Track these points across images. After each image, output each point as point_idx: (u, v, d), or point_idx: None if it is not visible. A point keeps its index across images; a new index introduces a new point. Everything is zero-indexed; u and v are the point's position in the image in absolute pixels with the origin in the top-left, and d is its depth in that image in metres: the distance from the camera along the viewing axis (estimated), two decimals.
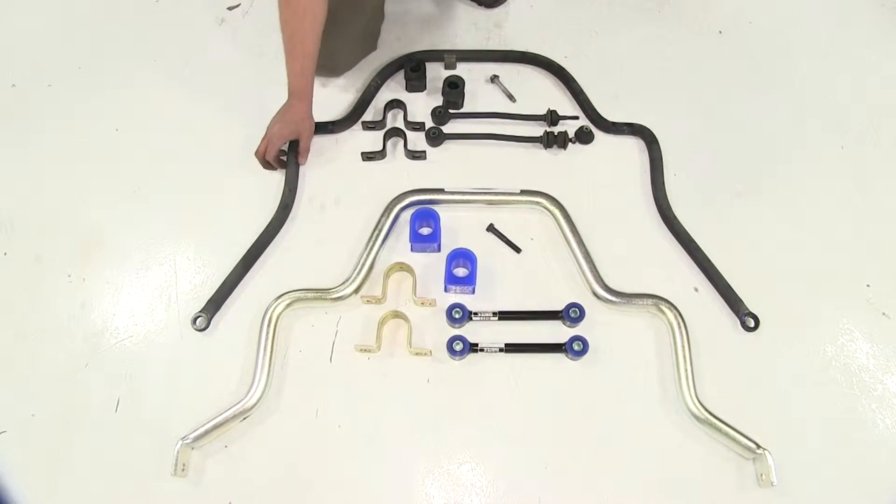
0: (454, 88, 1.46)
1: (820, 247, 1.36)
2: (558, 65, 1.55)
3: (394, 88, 1.53)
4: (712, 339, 1.26)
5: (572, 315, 1.25)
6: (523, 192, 1.37)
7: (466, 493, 1.14)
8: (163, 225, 1.37)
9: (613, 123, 1.48)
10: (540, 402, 1.21)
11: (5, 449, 1.16)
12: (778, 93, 1.55)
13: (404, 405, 1.20)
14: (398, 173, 1.42)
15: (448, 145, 1.46)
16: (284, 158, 1.40)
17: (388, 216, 1.34)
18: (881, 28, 1.67)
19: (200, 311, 1.26)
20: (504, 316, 1.26)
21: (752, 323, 1.27)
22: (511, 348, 1.23)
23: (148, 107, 1.50)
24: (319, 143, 1.46)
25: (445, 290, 1.29)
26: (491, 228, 1.36)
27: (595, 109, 1.49)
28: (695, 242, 1.33)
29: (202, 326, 1.25)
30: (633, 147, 1.47)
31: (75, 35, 1.60)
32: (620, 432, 1.18)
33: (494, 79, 1.54)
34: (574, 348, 1.21)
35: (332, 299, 1.26)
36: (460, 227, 1.36)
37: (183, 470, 1.12)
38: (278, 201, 1.36)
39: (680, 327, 1.24)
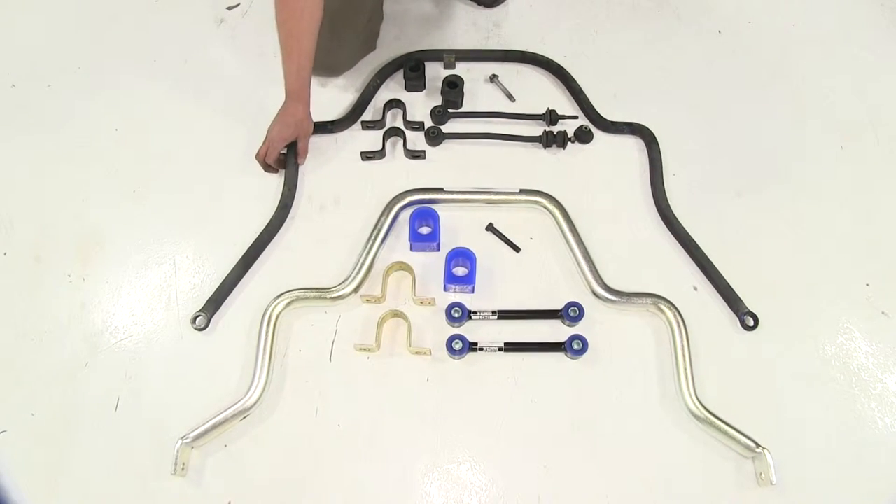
0: (453, 88, 1.47)
1: (819, 246, 1.36)
2: (557, 64, 1.55)
3: (393, 88, 1.53)
4: (712, 339, 1.26)
5: (571, 314, 1.25)
6: (522, 192, 1.38)
7: (466, 491, 1.14)
8: (162, 225, 1.37)
9: (613, 123, 1.48)
10: (539, 400, 1.21)
11: (5, 449, 1.16)
12: (777, 92, 1.55)
13: (404, 404, 1.20)
14: (397, 173, 1.42)
15: (447, 145, 1.46)
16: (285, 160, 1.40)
17: (387, 215, 1.34)
18: (881, 28, 1.67)
19: (200, 311, 1.26)
20: (503, 315, 1.27)
21: (751, 322, 1.27)
22: (510, 347, 1.23)
23: (147, 107, 1.51)
24: (319, 142, 1.46)
25: (445, 289, 1.29)
26: (490, 228, 1.36)
27: (594, 109, 1.49)
28: (694, 241, 1.33)
29: (202, 326, 1.25)
30: (632, 146, 1.47)
31: (75, 35, 1.60)
32: (620, 431, 1.19)
33: (494, 78, 1.54)
34: (573, 347, 1.21)
35: (331, 298, 1.26)
36: (460, 226, 1.36)
37: (183, 469, 1.12)
38: (278, 201, 1.37)
39: (679, 326, 1.24)
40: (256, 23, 1.63)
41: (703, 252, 1.32)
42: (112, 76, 1.55)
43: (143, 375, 1.22)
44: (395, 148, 1.46)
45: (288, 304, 1.25)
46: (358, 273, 1.28)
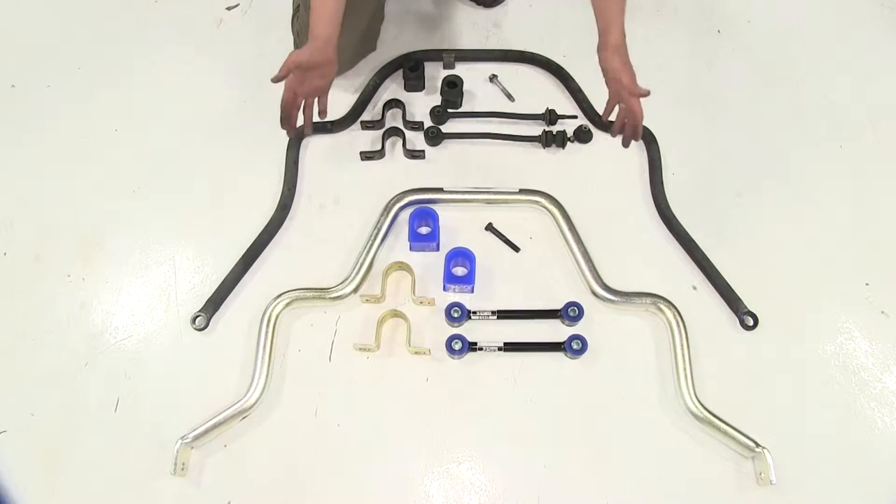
0: (453, 88, 1.47)
1: (819, 245, 1.36)
2: (557, 64, 1.55)
3: (393, 88, 1.53)
4: (711, 338, 1.26)
5: (571, 314, 1.25)
6: (522, 192, 1.38)
7: (465, 491, 1.14)
8: (162, 225, 1.37)
9: (612, 122, 1.47)
10: (539, 400, 1.21)
11: (5, 449, 1.17)
12: (777, 92, 1.55)
13: (403, 404, 1.20)
14: (397, 173, 1.42)
15: (447, 145, 1.46)
16: (313, 113, 1.30)
17: (386, 215, 1.34)
18: (880, 27, 1.67)
19: (200, 311, 1.26)
20: (503, 315, 1.27)
21: (750, 321, 1.27)
22: (510, 347, 1.23)
23: (147, 107, 1.51)
24: (318, 142, 1.46)
25: (444, 289, 1.30)
26: (490, 227, 1.36)
27: (593, 108, 1.49)
28: (693, 241, 1.33)
29: (201, 326, 1.25)
30: (631, 146, 1.46)
31: (74, 36, 1.60)
32: (619, 431, 1.19)
33: (493, 78, 1.54)
34: (573, 347, 1.21)
35: (331, 298, 1.26)
36: (459, 226, 1.36)
37: (182, 469, 1.12)
38: (277, 201, 1.37)
39: (679, 326, 1.24)
40: (256, 23, 1.63)
41: (702, 252, 1.32)
42: (111, 76, 1.55)
43: (142, 375, 1.23)
44: (394, 148, 1.46)
45: (287, 304, 1.25)
46: (357, 273, 1.28)
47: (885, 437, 1.19)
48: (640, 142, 1.47)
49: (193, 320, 1.25)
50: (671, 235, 1.36)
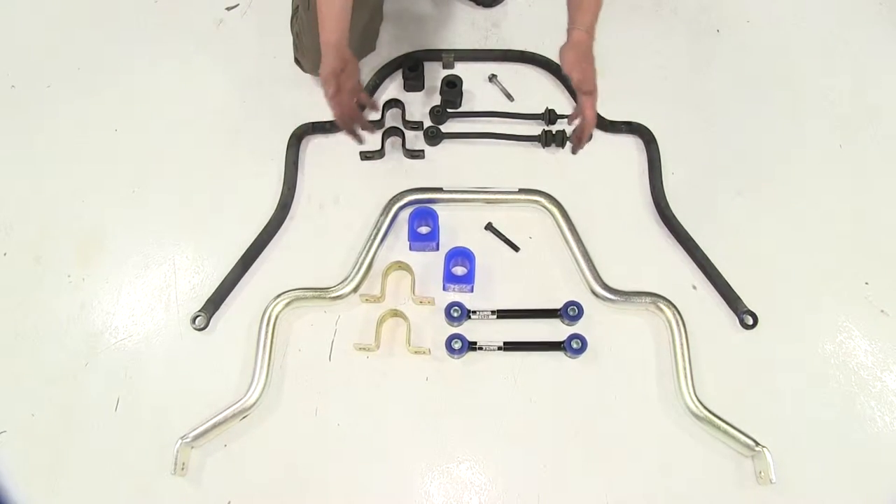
0: (452, 88, 1.47)
1: (818, 245, 1.37)
2: (556, 64, 1.54)
3: (392, 88, 1.53)
4: (711, 337, 1.26)
5: (571, 313, 1.25)
6: (521, 191, 1.38)
7: (465, 491, 1.14)
8: (162, 225, 1.37)
9: (611, 122, 1.48)
10: (538, 400, 1.21)
11: (5, 449, 1.17)
12: (776, 91, 1.55)
13: (403, 404, 1.20)
14: (396, 172, 1.42)
15: (446, 144, 1.46)
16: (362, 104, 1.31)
17: (386, 215, 1.34)
18: (879, 27, 1.67)
19: (199, 311, 1.26)
20: (502, 314, 1.27)
21: (750, 321, 1.27)
22: (510, 346, 1.23)
23: (147, 107, 1.51)
24: (318, 142, 1.46)
25: (444, 288, 1.30)
26: (489, 227, 1.36)
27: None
28: (693, 240, 1.33)
29: (201, 326, 1.25)
30: (631, 146, 1.47)
31: (74, 36, 1.61)
32: (619, 430, 1.19)
33: (492, 78, 1.54)
34: (573, 346, 1.21)
35: (330, 298, 1.26)
36: (459, 225, 1.36)
37: (182, 469, 1.13)
38: (277, 200, 1.37)
39: (678, 325, 1.24)
40: (255, 23, 1.63)
41: (702, 251, 1.32)
42: (111, 77, 1.55)
43: (142, 375, 1.23)
44: (394, 148, 1.46)
45: (287, 304, 1.26)
46: (357, 273, 1.28)
47: (885, 436, 1.19)
48: (640, 141, 1.47)
49: (193, 320, 1.26)
50: (670, 235, 1.36)
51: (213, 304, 1.27)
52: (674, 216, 1.36)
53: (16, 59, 1.57)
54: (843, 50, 1.62)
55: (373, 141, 1.45)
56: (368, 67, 1.53)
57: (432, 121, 1.47)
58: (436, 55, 1.54)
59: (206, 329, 1.26)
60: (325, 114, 1.45)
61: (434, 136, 1.44)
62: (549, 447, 1.17)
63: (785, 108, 1.53)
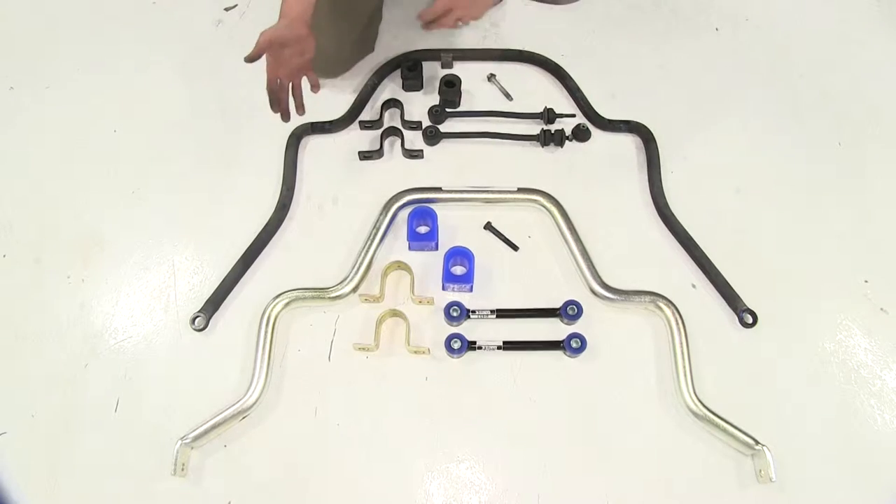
0: (451, 87, 1.47)
1: (817, 243, 1.36)
2: (555, 63, 1.55)
3: (391, 88, 1.53)
4: (710, 336, 1.26)
5: (570, 312, 1.25)
6: (520, 191, 1.38)
7: (465, 490, 1.14)
8: (161, 225, 1.37)
9: (610, 121, 1.48)
10: (538, 399, 1.21)
11: (6, 450, 1.17)
12: (775, 89, 1.55)
13: (403, 403, 1.20)
14: (395, 172, 1.42)
15: (445, 144, 1.46)
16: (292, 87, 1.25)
17: (385, 215, 1.34)
18: (878, 25, 1.67)
19: (199, 311, 1.26)
20: (502, 314, 1.27)
21: (749, 319, 1.27)
22: (509, 346, 1.23)
23: (146, 108, 1.51)
24: (317, 142, 1.46)
25: (443, 288, 1.30)
26: (488, 227, 1.36)
27: (592, 107, 1.49)
28: (692, 239, 1.33)
29: (201, 326, 1.25)
30: (629, 144, 1.47)
31: (73, 37, 1.61)
32: (619, 429, 1.19)
33: (491, 77, 1.54)
34: (572, 345, 1.21)
35: (330, 298, 1.26)
36: (458, 225, 1.36)
37: (182, 469, 1.13)
38: (276, 201, 1.37)
39: (678, 324, 1.24)
40: (254, 24, 1.61)
41: (701, 250, 1.32)
42: (110, 77, 1.55)
43: (142, 376, 1.23)
44: (392, 147, 1.46)
45: (287, 304, 1.26)
46: (356, 273, 1.28)
47: (885, 434, 1.19)
48: (639, 139, 1.47)
49: (193, 321, 1.26)
50: (670, 233, 1.35)
51: (213, 304, 1.27)
52: (673, 215, 1.36)
53: (15, 60, 1.57)
54: (843, 48, 1.62)
55: (371, 140, 1.46)
56: (367, 67, 1.53)
57: (431, 120, 1.47)
58: (434, 55, 1.54)
59: (206, 329, 1.26)
60: (324, 114, 1.47)
61: (433, 136, 1.44)
62: (549, 446, 1.17)
63: (784, 106, 1.53)
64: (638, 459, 1.16)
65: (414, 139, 1.46)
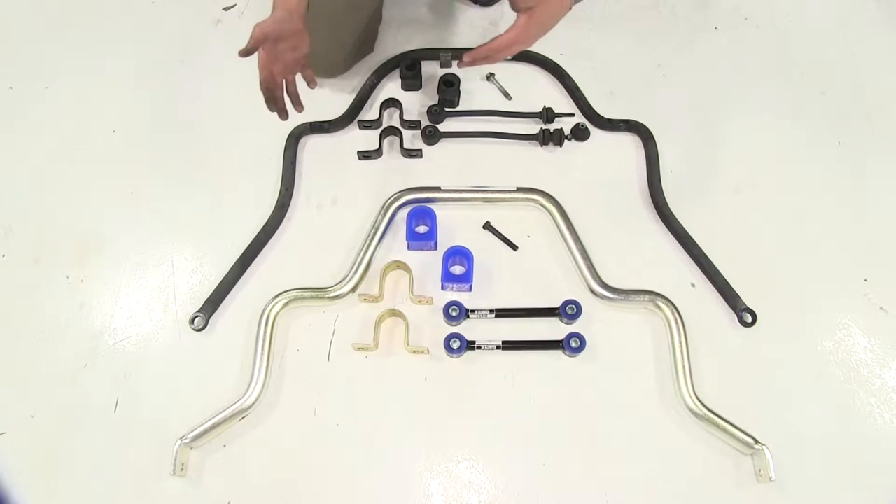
0: (450, 87, 1.47)
1: (817, 242, 1.36)
2: (554, 62, 1.55)
3: (390, 87, 1.53)
4: (710, 335, 1.26)
5: (569, 312, 1.25)
6: (519, 190, 1.38)
7: (465, 490, 1.14)
8: (160, 226, 1.37)
9: (609, 120, 1.48)
10: (537, 398, 1.21)
11: (5, 450, 1.17)
12: (774, 88, 1.55)
13: (402, 403, 1.20)
14: (394, 172, 1.42)
15: (444, 143, 1.46)
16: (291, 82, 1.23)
17: (384, 215, 1.34)
18: (878, 23, 1.66)
19: (198, 312, 1.26)
20: (501, 313, 1.27)
21: (749, 318, 1.26)
22: (508, 345, 1.23)
23: (145, 108, 1.51)
24: (316, 142, 1.46)
25: (442, 288, 1.30)
26: (487, 226, 1.36)
27: (591, 106, 1.49)
28: (691, 238, 1.33)
29: (200, 326, 1.25)
30: (629, 143, 1.47)
31: (71, 37, 1.61)
32: (618, 428, 1.19)
33: (490, 77, 1.54)
34: (571, 345, 1.21)
35: (329, 298, 1.26)
36: (457, 225, 1.36)
37: (182, 469, 1.13)
38: (275, 200, 1.37)
39: (677, 323, 1.24)
40: (253, 23, 1.62)
41: (700, 249, 1.32)
42: (109, 77, 1.55)
43: (141, 376, 1.23)
44: (391, 147, 1.46)
45: (286, 304, 1.26)
46: (355, 272, 1.28)
47: (885, 433, 1.19)
48: (638, 139, 1.47)
49: (192, 321, 1.26)
50: (669, 232, 1.35)
51: (212, 304, 1.27)
52: (672, 214, 1.36)
53: (13, 60, 1.57)
54: (842, 47, 1.62)
55: (370, 140, 1.46)
56: (366, 67, 1.53)
57: (430, 120, 1.47)
58: (433, 54, 1.54)
59: (205, 329, 1.26)
60: (323, 114, 1.46)
61: (432, 136, 1.44)
62: (548, 445, 1.17)
63: (783, 105, 1.53)
64: (637, 458, 1.16)
65: (413, 139, 1.46)
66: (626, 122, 1.48)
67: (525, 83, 1.54)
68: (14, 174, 1.44)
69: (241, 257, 1.31)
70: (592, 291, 1.28)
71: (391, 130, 1.45)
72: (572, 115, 1.49)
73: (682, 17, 1.65)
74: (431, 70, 1.54)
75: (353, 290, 1.27)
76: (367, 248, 1.30)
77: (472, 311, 1.26)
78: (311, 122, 1.44)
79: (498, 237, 1.36)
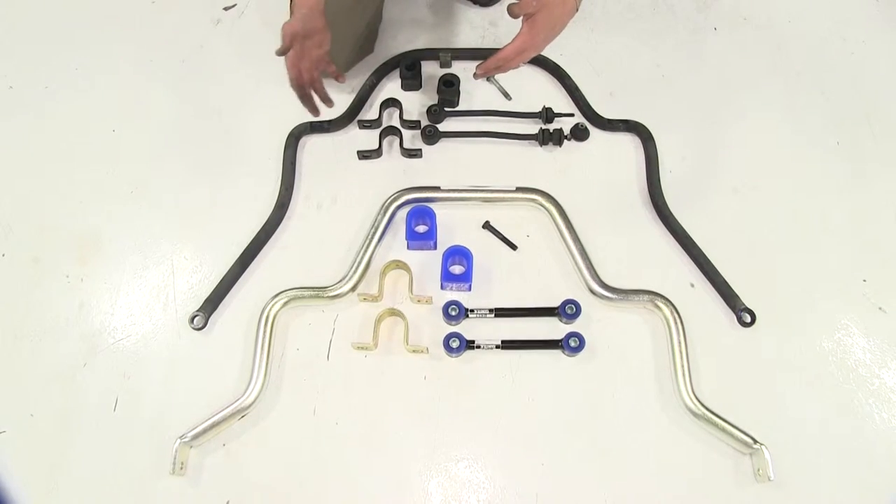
0: (450, 87, 1.47)
1: (816, 242, 1.36)
2: (553, 62, 1.55)
3: (389, 87, 1.53)
4: (709, 335, 1.26)
5: (568, 311, 1.25)
6: (519, 190, 1.38)
7: (464, 489, 1.15)
8: (160, 225, 1.37)
9: (609, 120, 1.48)
10: (537, 398, 1.21)
11: (5, 449, 1.17)
12: (772, 88, 1.55)
13: (401, 402, 1.21)
14: (394, 172, 1.42)
15: (444, 143, 1.46)
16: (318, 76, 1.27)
17: (384, 214, 1.34)
18: (876, 23, 1.67)
19: (198, 311, 1.26)
20: (500, 313, 1.27)
21: (748, 318, 1.27)
22: (507, 345, 1.24)
23: (145, 107, 1.51)
24: (315, 141, 1.46)
25: (442, 287, 1.30)
26: (487, 226, 1.36)
27: (590, 106, 1.49)
28: (691, 238, 1.33)
29: (199, 325, 1.25)
30: (628, 143, 1.47)
31: (72, 36, 1.61)
32: (617, 428, 1.19)
33: (490, 77, 1.54)
34: (570, 344, 1.21)
35: (328, 297, 1.26)
36: (456, 224, 1.36)
37: (181, 468, 1.13)
38: (275, 200, 1.37)
39: (676, 323, 1.24)
40: (253, 23, 1.63)
41: (699, 249, 1.32)
42: (109, 77, 1.55)
43: (141, 375, 1.23)
44: (391, 147, 1.46)
45: (285, 304, 1.26)
46: (355, 272, 1.28)
47: (883, 433, 1.19)
48: (637, 139, 1.47)
49: (191, 320, 1.26)
50: (668, 232, 1.36)
51: (212, 303, 1.27)
52: (671, 214, 1.36)
53: (13, 59, 1.58)
54: (840, 47, 1.62)
55: (370, 140, 1.46)
56: (366, 67, 1.53)
57: (430, 120, 1.48)
58: (433, 54, 1.54)
59: (205, 329, 1.26)
60: (323, 113, 1.46)
61: (431, 136, 1.44)
62: (548, 445, 1.17)
63: (782, 105, 1.53)
64: (636, 458, 1.17)
65: (412, 138, 1.46)
66: (626, 122, 1.48)
67: (525, 83, 1.54)
68: (13, 173, 1.44)
69: (240, 256, 1.31)
70: (592, 291, 1.28)
71: (391, 130, 1.45)
72: (572, 115, 1.49)
73: (682, 18, 1.66)
74: (431, 70, 1.54)
75: (353, 289, 1.28)
76: (367, 247, 1.31)
77: (472, 311, 1.26)
78: (311, 122, 1.44)
79: (497, 237, 1.36)
